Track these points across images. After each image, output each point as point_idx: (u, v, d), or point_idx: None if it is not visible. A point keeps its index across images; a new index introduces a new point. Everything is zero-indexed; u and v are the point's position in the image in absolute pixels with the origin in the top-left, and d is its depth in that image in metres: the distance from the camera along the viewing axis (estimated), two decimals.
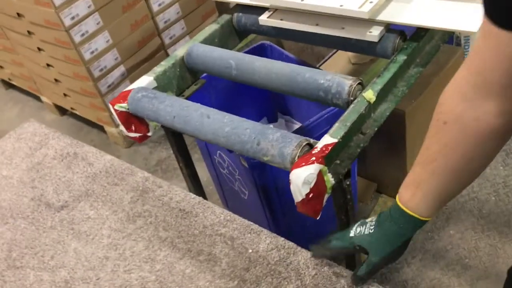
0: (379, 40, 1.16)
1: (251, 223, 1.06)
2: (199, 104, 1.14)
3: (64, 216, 1.17)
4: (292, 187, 0.92)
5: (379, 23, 1.16)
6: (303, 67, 1.15)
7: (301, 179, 0.90)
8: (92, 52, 2.11)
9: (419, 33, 1.18)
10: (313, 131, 1.46)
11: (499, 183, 1.84)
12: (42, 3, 1.98)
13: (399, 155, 1.75)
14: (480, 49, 0.64)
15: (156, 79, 1.25)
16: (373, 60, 1.87)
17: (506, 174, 1.87)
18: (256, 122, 1.04)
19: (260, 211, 1.65)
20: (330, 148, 0.94)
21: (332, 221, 1.13)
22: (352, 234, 0.87)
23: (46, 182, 1.26)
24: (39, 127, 1.42)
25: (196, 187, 1.51)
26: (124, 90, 1.22)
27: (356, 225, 0.88)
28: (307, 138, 0.98)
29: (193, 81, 1.36)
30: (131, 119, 1.23)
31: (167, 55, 2.42)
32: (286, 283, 0.94)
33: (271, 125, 1.94)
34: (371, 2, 1.11)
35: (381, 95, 1.08)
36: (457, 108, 0.68)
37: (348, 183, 1.02)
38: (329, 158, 0.94)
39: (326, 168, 0.93)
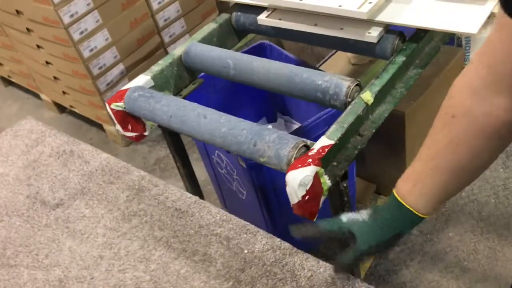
0: (378, 41, 1.16)
1: (247, 223, 1.05)
2: (196, 103, 1.13)
3: (60, 214, 1.16)
4: (288, 189, 0.92)
5: (378, 24, 1.15)
6: (301, 67, 1.14)
7: (297, 181, 0.89)
8: (91, 50, 2.10)
9: (419, 34, 1.17)
10: (312, 132, 1.45)
11: (499, 186, 1.83)
12: (41, 0, 1.97)
13: (398, 156, 1.74)
14: (492, 41, 0.63)
15: (153, 78, 1.25)
16: (373, 60, 1.86)
17: (506, 176, 1.85)
18: (253, 123, 1.03)
19: (258, 211, 1.64)
20: (326, 150, 0.94)
21: None
22: (344, 219, 0.83)
23: (42, 180, 1.25)
24: (36, 125, 1.41)
25: (193, 187, 1.50)
26: (121, 89, 1.21)
27: (350, 213, 0.84)
28: (304, 139, 0.97)
29: (190, 81, 1.36)
30: (128, 118, 1.22)
31: (167, 53, 2.41)
32: (281, 284, 0.93)
33: (270, 125, 1.93)
34: (370, 3, 1.10)
35: (379, 97, 1.07)
36: (466, 102, 0.67)
37: (345, 185, 1.01)
38: (325, 160, 0.93)
39: (322, 170, 0.92)
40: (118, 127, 1.24)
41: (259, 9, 1.33)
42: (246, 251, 1.00)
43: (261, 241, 1.01)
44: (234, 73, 1.23)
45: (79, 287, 1.01)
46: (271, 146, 0.96)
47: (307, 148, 0.96)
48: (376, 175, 1.88)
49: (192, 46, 1.30)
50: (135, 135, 1.25)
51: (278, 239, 1.01)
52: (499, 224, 1.73)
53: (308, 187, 0.90)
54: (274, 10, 1.30)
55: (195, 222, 1.07)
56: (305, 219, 0.94)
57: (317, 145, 0.95)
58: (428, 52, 1.20)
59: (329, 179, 0.95)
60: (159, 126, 1.23)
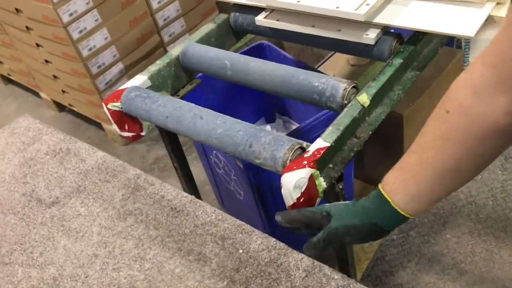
0: (376, 43, 1.15)
1: (243, 223, 1.04)
2: (192, 104, 1.13)
3: (55, 212, 1.16)
4: (283, 191, 0.92)
5: (376, 25, 1.15)
6: (298, 69, 1.14)
7: (292, 183, 0.89)
8: (90, 49, 2.10)
9: (417, 36, 1.17)
10: (310, 133, 1.45)
11: (497, 188, 1.83)
12: None
13: (396, 158, 1.72)
14: (499, 40, 0.62)
15: (151, 78, 1.25)
16: (372, 61, 1.86)
17: (504, 178, 1.85)
18: (249, 124, 1.03)
19: (255, 211, 1.64)
20: (322, 152, 0.93)
21: None
22: (327, 204, 0.83)
23: (38, 178, 1.25)
24: (33, 122, 1.41)
25: (190, 187, 1.50)
26: (118, 89, 1.21)
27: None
28: (300, 141, 0.97)
29: (188, 81, 1.35)
30: (125, 118, 1.22)
31: (166, 52, 2.41)
32: (276, 284, 0.93)
33: (269, 126, 1.93)
34: (367, 5, 1.10)
35: (376, 99, 1.07)
36: (466, 100, 0.66)
37: (340, 187, 1.00)
38: (321, 162, 0.93)
39: (317, 172, 0.92)
40: (115, 127, 1.24)
41: (258, 10, 1.33)
42: (241, 251, 1.00)
43: (256, 241, 1.01)
44: (231, 73, 1.23)
45: (73, 285, 1.01)
46: (266, 147, 0.96)
47: (303, 150, 0.96)
48: (374, 177, 1.87)
49: (190, 46, 1.30)
50: (132, 135, 1.25)
51: (273, 239, 1.00)
52: (497, 227, 1.72)
53: (303, 189, 0.90)
54: (272, 11, 1.30)
55: (191, 222, 1.07)
56: None
57: (312, 147, 0.95)
58: (426, 54, 1.20)
59: (324, 181, 0.95)
60: (157, 126, 1.23)
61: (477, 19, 1.07)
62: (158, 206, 1.11)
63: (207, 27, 1.38)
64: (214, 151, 1.64)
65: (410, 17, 1.13)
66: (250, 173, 1.49)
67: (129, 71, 2.29)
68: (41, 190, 1.22)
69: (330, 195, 1.00)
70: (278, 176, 0.93)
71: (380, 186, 0.78)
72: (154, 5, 2.28)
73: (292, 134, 1.47)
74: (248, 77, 1.20)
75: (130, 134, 1.25)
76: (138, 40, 2.26)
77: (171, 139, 1.39)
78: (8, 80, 3.06)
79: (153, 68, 1.26)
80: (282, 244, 0.99)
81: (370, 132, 1.04)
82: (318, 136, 0.99)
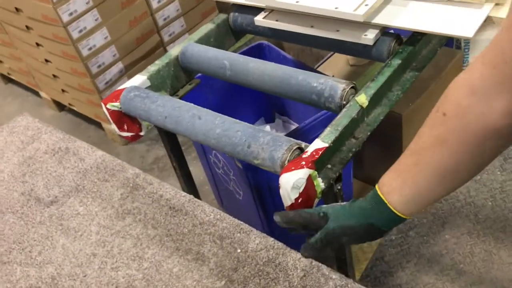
0: (374, 44, 1.15)
1: (241, 222, 1.05)
2: (191, 104, 1.13)
3: (54, 211, 1.16)
4: (281, 191, 0.92)
5: (375, 26, 1.15)
6: (296, 69, 1.14)
7: (290, 184, 0.89)
8: (90, 49, 2.10)
9: (415, 37, 1.17)
10: (309, 133, 1.45)
11: (496, 188, 1.83)
12: None
13: (395, 158, 1.73)
14: (500, 41, 0.62)
15: (150, 78, 1.25)
16: (372, 62, 1.86)
17: (503, 179, 1.85)
18: (248, 124, 1.03)
19: (254, 212, 1.64)
20: (320, 152, 0.93)
21: None
22: (324, 205, 0.84)
23: (36, 177, 1.25)
24: (32, 121, 1.41)
25: (190, 186, 1.50)
26: (117, 89, 1.21)
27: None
28: (299, 141, 0.97)
29: (187, 81, 1.36)
30: (124, 118, 1.23)
31: (166, 52, 2.41)
32: (274, 284, 0.93)
33: (268, 126, 1.93)
34: (366, 5, 1.10)
35: (375, 100, 1.07)
36: (463, 101, 0.65)
37: (339, 187, 1.00)
38: (319, 162, 0.93)
39: (316, 172, 0.92)
40: (114, 127, 1.24)
41: (257, 10, 1.33)
42: (239, 251, 1.00)
43: (254, 241, 1.01)
44: (230, 74, 1.23)
45: (72, 284, 1.01)
46: (265, 148, 0.96)
47: (301, 150, 0.96)
48: (374, 177, 1.86)
49: (189, 46, 1.30)
50: (131, 135, 1.25)
51: (272, 239, 1.00)
52: (496, 227, 1.72)
53: (301, 190, 0.90)
54: (271, 11, 1.30)
55: (189, 221, 1.07)
56: None
57: (311, 148, 0.95)
58: (425, 55, 1.20)
59: (322, 182, 0.95)
60: (156, 126, 1.23)
61: (475, 19, 1.07)
62: (157, 205, 1.12)
63: (206, 27, 1.38)
64: (214, 151, 1.64)
65: (409, 17, 1.13)
66: (249, 173, 1.49)
67: (129, 71, 2.29)
68: (40, 189, 1.22)
69: (329, 195, 1.00)
70: (277, 176, 0.93)
71: (377, 187, 0.78)
72: (154, 4, 2.28)
73: (291, 134, 1.47)
74: (247, 77, 1.20)
75: (129, 134, 1.25)
76: (138, 39, 2.26)
77: (170, 139, 1.39)
78: (8, 79, 3.06)
79: (152, 68, 1.27)
80: (280, 244, 0.99)
81: (369, 133, 1.04)
82: (317, 136, 0.99)
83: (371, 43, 1.15)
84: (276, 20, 1.27)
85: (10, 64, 2.79)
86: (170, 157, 1.44)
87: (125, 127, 1.24)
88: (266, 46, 1.74)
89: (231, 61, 1.23)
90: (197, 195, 1.51)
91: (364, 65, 1.88)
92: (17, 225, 1.15)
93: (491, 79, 0.62)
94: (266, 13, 1.31)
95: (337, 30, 1.18)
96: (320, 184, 0.94)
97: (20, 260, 1.08)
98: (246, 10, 1.36)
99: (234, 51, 1.47)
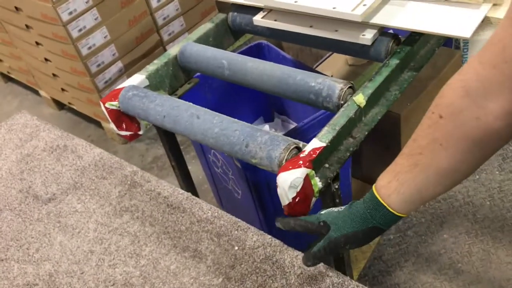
0: (372, 43, 1.16)
1: (239, 220, 1.05)
2: (190, 103, 1.14)
3: (51, 208, 1.16)
4: (279, 191, 0.92)
5: (373, 26, 1.15)
6: (295, 69, 1.14)
7: (288, 183, 0.89)
8: (89, 48, 2.11)
9: (413, 37, 1.17)
10: (308, 132, 1.45)
11: (494, 188, 1.83)
12: None
13: (394, 158, 1.73)
14: (501, 40, 0.61)
15: (148, 77, 1.25)
16: (371, 62, 1.87)
17: (502, 179, 1.85)
18: (246, 123, 1.03)
19: (252, 211, 1.64)
20: (318, 152, 0.94)
21: None
22: (322, 212, 0.85)
23: (34, 174, 1.25)
24: (31, 119, 1.42)
25: (188, 185, 1.51)
26: (115, 88, 1.21)
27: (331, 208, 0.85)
28: (296, 141, 0.97)
29: (186, 80, 1.36)
30: (122, 117, 1.23)
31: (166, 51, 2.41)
32: (271, 281, 0.93)
33: (267, 125, 1.93)
34: (364, 5, 1.10)
35: (372, 99, 1.07)
36: (457, 102, 0.65)
37: (336, 186, 1.01)
38: (317, 162, 0.94)
39: (313, 172, 0.92)
40: (113, 126, 1.24)
41: (256, 10, 1.33)
42: (236, 248, 1.00)
43: (252, 238, 1.01)
44: (229, 73, 1.23)
45: (69, 281, 1.01)
46: (263, 147, 0.96)
47: (299, 149, 0.96)
48: (372, 176, 1.87)
49: (188, 46, 1.30)
50: (130, 134, 1.26)
51: (269, 236, 1.01)
52: (494, 227, 1.73)
53: (298, 189, 0.90)
54: (270, 11, 1.31)
55: (187, 219, 1.07)
56: None
57: (308, 147, 0.95)
58: (423, 55, 1.20)
59: (320, 181, 0.95)
60: (154, 125, 1.23)
61: (473, 20, 1.07)
62: (155, 203, 1.12)
63: (205, 27, 1.38)
64: (212, 150, 1.64)
65: (406, 17, 1.13)
66: (248, 172, 1.50)
67: (128, 70, 2.29)
68: (38, 187, 1.22)
69: (326, 195, 1.00)
70: (275, 176, 0.93)
71: (374, 189, 0.78)
72: (154, 4, 2.28)
73: (290, 133, 1.47)
74: (246, 76, 1.20)
75: (127, 133, 1.25)
76: (137, 39, 2.27)
77: (168, 138, 1.39)
78: (8, 78, 3.06)
79: (151, 67, 1.27)
80: (277, 241, 0.99)
81: (366, 132, 1.05)
82: (315, 136, 0.99)
83: (369, 43, 1.15)
84: (275, 20, 1.27)
85: (10, 63, 2.79)
86: (168, 156, 1.44)
87: (124, 126, 1.24)
88: (265, 45, 1.74)
89: (230, 61, 1.23)
90: (195, 194, 1.51)
91: (363, 65, 1.88)
92: (15, 222, 1.15)
93: (489, 79, 0.62)
94: (265, 13, 1.31)
95: (336, 30, 1.18)
96: (317, 183, 0.94)
97: (18, 257, 1.08)
98: (245, 10, 1.36)
99: (234, 51, 1.48)
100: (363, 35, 1.15)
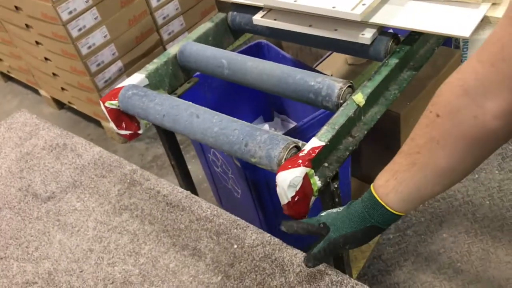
0: (372, 43, 1.16)
1: (238, 218, 1.05)
2: (189, 102, 1.14)
3: (51, 207, 1.16)
4: (278, 190, 0.92)
5: (372, 25, 1.15)
6: (294, 68, 1.14)
7: (287, 182, 0.90)
8: (89, 47, 2.11)
9: (413, 36, 1.17)
10: (307, 132, 1.45)
11: (494, 187, 1.83)
12: None
13: (393, 157, 1.74)
14: (500, 39, 0.60)
15: (148, 76, 1.25)
16: (370, 61, 1.87)
17: (501, 178, 1.85)
18: (246, 123, 1.04)
19: (252, 210, 1.64)
20: (317, 151, 0.94)
21: None
22: (322, 214, 0.85)
23: (34, 173, 1.25)
24: (30, 117, 1.42)
25: (188, 185, 1.51)
26: (115, 87, 1.21)
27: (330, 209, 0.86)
28: (296, 140, 0.97)
29: (186, 79, 1.36)
30: (122, 116, 1.23)
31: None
32: (270, 279, 0.93)
33: (267, 124, 1.93)
34: (363, 5, 1.11)
35: (372, 99, 1.07)
36: (455, 101, 0.64)
37: (336, 185, 1.01)
38: (316, 161, 0.94)
39: (312, 171, 0.93)
40: (112, 125, 1.24)
41: (255, 9, 1.33)
42: (235, 246, 1.00)
43: (251, 236, 1.01)
44: (228, 72, 1.23)
45: (68, 280, 1.01)
46: (262, 146, 0.96)
47: (298, 149, 0.96)
48: (372, 176, 1.87)
49: (187, 45, 1.30)
50: (129, 133, 1.26)
51: (268, 235, 1.01)
52: (493, 226, 1.73)
53: (297, 188, 0.91)
54: (270, 11, 1.31)
55: (186, 217, 1.07)
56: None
57: (307, 146, 0.95)
58: (423, 54, 1.20)
59: (319, 180, 0.95)
60: (154, 124, 1.23)
61: (472, 19, 1.07)
62: (154, 201, 1.12)
63: (205, 26, 1.38)
64: (212, 150, 1.64)
65: (406, 17, 1.13)
66: (247, 171, 1.50)
67: (128, 69, 2.29)
68: (37, 185, 1.22)
69: (325, 194, 1.01)
70: (275, 175, 0.94)
71: (372, 187, 0.78)
72: (154, 3, 2.28)
73: (289, 133, 1.47)
74: (245, 76, 1.20)
75: (127, 132, 1.25)
76: (137, 38, 2.27)
77: (168, 138, 1.39)
78: (8, 77, 3.06)
79: (150, 66, 1.27)
80: (276, 240, 1.00)
81: (366, 132, 1.05)
82: (315, 135, 0.99)
83: (368, 42, 1.15)
84: (274, 19, 1.28)
85: (10, 62, 2.79)
86: (168, 155, 1.45)
87: (124, 125, 1.24)
88: (265, 45, 1.74)
89: (229, 60, 1.23)
90: (195, 193, 1.51)
91: (362, 64, 1.88)
92: (14, 221, 1.15)
93: (488, 78, 0.61)
94: (265, 12, 1.31)
95: (335, 30, 1.18)
96: (316, 182, 0.95)
97: (17, 255, 1.08)
98: (245, 9, 1.37)
99: (233, 50, 1.48)
100: (362, 34, 1.15)
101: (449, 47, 2.00)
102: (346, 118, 1.01)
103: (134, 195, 1.14)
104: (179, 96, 1.30)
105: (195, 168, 2.10)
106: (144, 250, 1.03)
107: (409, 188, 0.74)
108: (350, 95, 1.05)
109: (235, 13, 1.39)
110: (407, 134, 1.80)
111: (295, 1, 1.18)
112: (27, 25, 2.23)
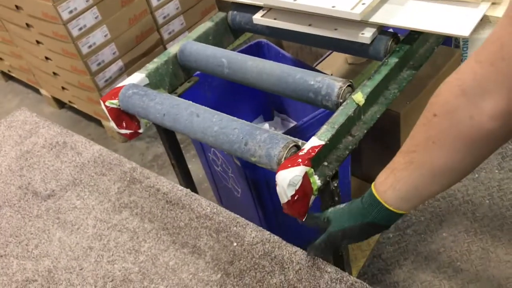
0: (372, 42, 1.16)
1: (238, 216, 1.05)
2: (189, 102, 1.14)
3: (51, 205, 1.16)
4: (278, 189, 0.92)
5: (372, 25, 1.15)
6: (294, 67, 1.14)
7: (287, 181, 0.90)
8: (90, 46, 2.11)
9: (412, 36, 1.17)
10: (307, 131, 1.45)
11: (494, 187, 1.83)
12: None
13: (393, 156, 1.74)
14: (500, 38, 0.60)
15: (148, 76, 1.25)
16: (370, 60, 1.87)
17: (501, 177, 1.86)
18: (246, 122, 1.04)
19: (252, 209, 1.64)
20: (317, 150, 0.94)
21: None
22: (329, 209, 0.89)
23: (34, 171, 1.26)
24: (30, 116, 1.42)
25: (188, 184, 1.51)
26: (116, 86, 1.21)
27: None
28: (295, 139, 0.97)
29: (186, 79, 1.36)
30: (122, 115, 1.23)
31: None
32: (270, 277, 0.93)
33: (267, 124, 1.94)
34: (363, 4, 1.10)
35: (371, 98, 1.07)
36: (453, 101, 0.64)
37: (335, 184, 1.01)
38: (316, 160, 0.94)
39: (312, 170, 0.93)
40: (113, 124, 1.24)
41: (255, 9, 1.33)
42: (235, 244, 1.00)
43: (250, 234, 1.01)
44: (228, 72, 1.23)
45: (68, 277, 1.02)
46: (262, 145, 0.96)
47: (298, 148, 0.96)
48: (372, 175, 1.87)
49: (187, 44, 1.30)
50: (130, 133, 1.26)
51: (268, 232, 1.01)
52: (493, 225, 1.73)
53: (297, 187, 0.91)
54: (270, 10, 1.31)
55: (186, 215, 1.08)
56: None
57: (307, 145, 0.95)
58: (422, 54, 1.20)
59: (319, 179, 0.95)
60: (154, 123, 1.24)
61: (472, 18, 1.07)
62: (154, 199, 1.12)
63: (205, 25, 1.38)
64: (212, 149, 1.64)
65: (406, 16, 1.13)
66: (247, 170, 1.50)
67: (128, 69, 2.29)
68: (37, 183, 1.22)
69: (325, 193, 1.01)
70: (275, 174, 0.94)
71: (372, 186, 0.79)
72: (154, 2, 2.29)
73: (289, 132, 1.47)
74: (245, 75, 1.20)
75: (127, 132, 1.25)
76: (137, 37, 2.27)
77: (168, 137, 1.40)
78: (8, 77, 3.07)
79: (151, 66, 1.27)
80: (276, 237, 1.00)
81: (365, 131, 1.05)
82: (315, 134, 0.99)
83: (368, 41, 1.15)
84: (274, 19, 1.28)
85: (10, 61, 2.80)
86: (168, 154, 1.45)
87: (124, 124, 1.24)
88: (265, 44, 1.74)
89: (229, 59, 1.23)
90: (195, 192, 1.51)
91: (362, 64, 1.89)
92: (14, 219, 1.15)
93: (487, 77, 0.61)
94: (265, 11, 1.31)
95: (335, 29, 1.18)
96: (316, 181, 0.95)
97: (17, 253, 1.08)
98: (245, 9, 1.37)
99: (233, 50, 1.48)
100: (362, 33, 1.15)
101: (449, 47, 2.00)
102: (345, 117, 1.01)
103: (134, 193, 1.14)
104: (179, 95, 1.30)
105: (195, 168, 2.11)
106: (144, 248, 1.04)
107: (406, 186, 0.74)
108: (350, 94, 1.05)
109: (235, 12, 1.39)
110: (407, 133, 1.80)
111: (295, 0, 1.18)
112: (27, 25, 2.23)
